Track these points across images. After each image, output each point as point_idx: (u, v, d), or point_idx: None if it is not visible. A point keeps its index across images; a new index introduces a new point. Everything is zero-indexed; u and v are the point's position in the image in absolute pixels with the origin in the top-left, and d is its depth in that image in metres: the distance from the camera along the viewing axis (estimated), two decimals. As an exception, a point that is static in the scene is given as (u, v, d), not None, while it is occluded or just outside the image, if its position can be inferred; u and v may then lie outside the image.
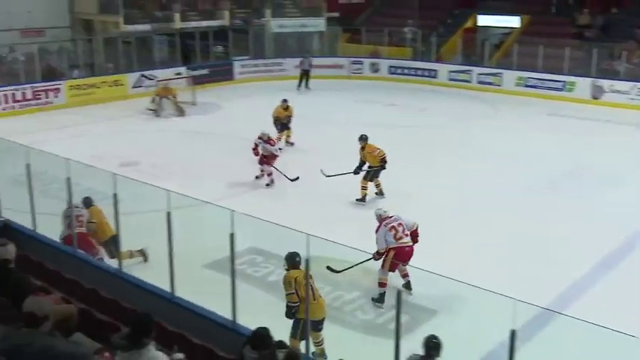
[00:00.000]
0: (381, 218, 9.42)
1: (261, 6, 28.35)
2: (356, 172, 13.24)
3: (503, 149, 17.02)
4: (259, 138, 14.23)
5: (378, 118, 20.61)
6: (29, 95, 21.05)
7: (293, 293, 7.43)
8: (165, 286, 7.43)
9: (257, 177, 14.44)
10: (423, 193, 13.61)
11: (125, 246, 8.95)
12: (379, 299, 9.09)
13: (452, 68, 26.47)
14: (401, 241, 9.15)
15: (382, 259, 9.17)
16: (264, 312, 7.80)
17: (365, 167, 13.28)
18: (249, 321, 6.74)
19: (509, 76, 24.92)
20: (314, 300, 7.39)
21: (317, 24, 28.81)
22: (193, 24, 26.25)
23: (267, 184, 14.19)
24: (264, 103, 19.56)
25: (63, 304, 5.56)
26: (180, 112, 20.76)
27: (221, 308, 7.02)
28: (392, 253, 9.12)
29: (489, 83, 25.42)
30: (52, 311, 4.93)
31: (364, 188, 13.19)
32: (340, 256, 9.12)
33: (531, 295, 7.23)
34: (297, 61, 25.94)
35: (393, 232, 9.15)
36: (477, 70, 25.88)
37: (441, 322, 8.57)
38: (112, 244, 9.36)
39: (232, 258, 6.82)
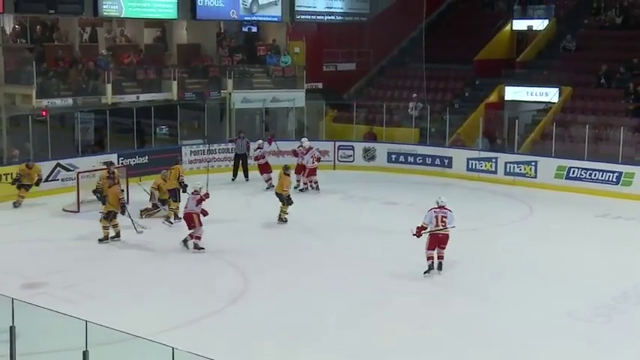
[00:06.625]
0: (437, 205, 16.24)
1: (221, 75, 28.95)
2: None
3: (538, 263, 17.29)
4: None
5: (373, 222, 21.01)
6: None
7: None
8: None
9: None
10: (438, 321, 13.87)
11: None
12: (427, 270, 16.00)
13: (471, 155, 27.16)
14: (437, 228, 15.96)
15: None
16: None
17: None
18: None
19: (547, 166, 25.52)
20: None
21: (294, 97, 29.46)
22: (129, 98, 26.76)
23: None
24: (221, 202, 19.86)
25: None
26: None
27: None
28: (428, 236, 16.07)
29: (521, 174, 26.04)
30: None
31: None
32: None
33: None
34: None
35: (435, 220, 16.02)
36: (504, 157, 26.57)
37: None
38: None
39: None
